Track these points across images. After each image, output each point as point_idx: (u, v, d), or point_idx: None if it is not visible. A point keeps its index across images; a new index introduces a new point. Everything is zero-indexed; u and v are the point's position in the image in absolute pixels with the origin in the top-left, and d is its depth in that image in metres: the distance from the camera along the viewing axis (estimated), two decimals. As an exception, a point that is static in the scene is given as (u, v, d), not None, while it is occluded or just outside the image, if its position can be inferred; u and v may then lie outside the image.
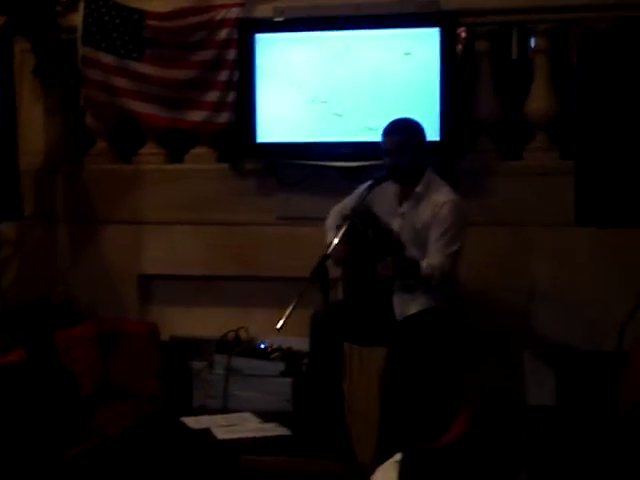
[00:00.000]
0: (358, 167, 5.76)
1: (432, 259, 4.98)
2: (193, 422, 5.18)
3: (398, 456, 3.40)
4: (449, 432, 3.40)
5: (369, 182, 5.17)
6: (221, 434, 4.95)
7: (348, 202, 5.28)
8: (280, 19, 5.96)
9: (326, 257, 4.91)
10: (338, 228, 5.02)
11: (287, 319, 4.79)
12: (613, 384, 5.02)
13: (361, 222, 5.09)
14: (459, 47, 5.96)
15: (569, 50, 6.30)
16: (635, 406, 4.50)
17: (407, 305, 5.12)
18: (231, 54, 6.01)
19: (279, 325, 4.79)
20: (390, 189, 5.24)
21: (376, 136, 5.36)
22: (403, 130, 5.17)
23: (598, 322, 5.44)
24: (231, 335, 5.79)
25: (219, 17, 6.04)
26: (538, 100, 5.82)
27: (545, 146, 5.84)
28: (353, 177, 5.71)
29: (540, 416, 5.07)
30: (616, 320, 4.85)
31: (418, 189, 5.15)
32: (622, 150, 4.03)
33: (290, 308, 4.78)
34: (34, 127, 6.44)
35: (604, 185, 4.08)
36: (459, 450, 3.34)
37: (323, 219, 5.46)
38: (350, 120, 5.82)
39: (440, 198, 5.08)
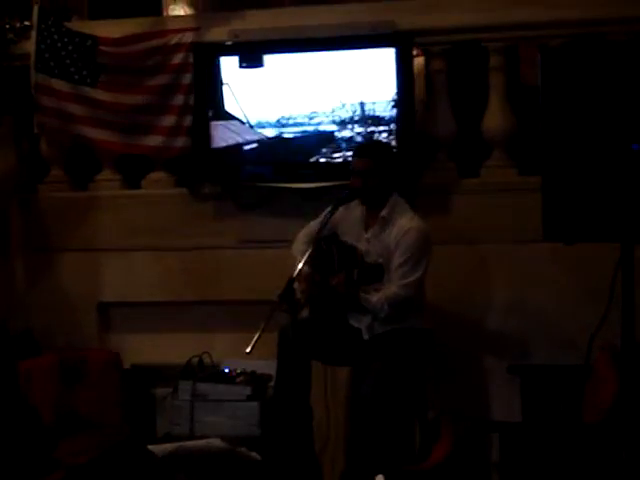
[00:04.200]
0: (318, 188, 5.77)
1: (387, 290, 5.01)
2: (160, 450, 5.11)
3: (380, 478, 3.40)
4: (433, 454, 3.40)
5: (334, 202, 5.19)
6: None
7: (314, 225, 5.30)
8: (230, 43, 5.96)
9: (292, 280, 4.93)
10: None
11: (256, 343, 4.79)
12: (578, 397, 5.07)
13: (325, 242, 5.13)
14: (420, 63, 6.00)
15: (520, 67, 6.40)
16: (603, 419, 4.54)
17: (369, 322, 5.14)
18: (186, 78, 5.99)
19: (248, 350, 4.78)
20: (356, 212, 5.26)
21: (335, 157, 5.37)
22: (374, 153, 5.22)
23: (562, 337, 5.50)
24: (195, 360, 5.73)
25: (173, 42, 6.01)
26: (494, 117, 5.87)
27: (502, 163, 5.89)
28: (314, 198, 5.73)
29: (507, 432, 5.10)
30: (581, 334, 4.88)
31: (384, 213, 5.18)
32: (587, 165, 4.07)
33: (259, 332, 4.78)
34: (-13, 156, 6.38)
35: (570, 201, 4.11)
36: (443, 471, 3.35)
37: (284, 241, 5.48)
38: (308, 141, 5.83)
39: (405, 224, 5.12)
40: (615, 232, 4.10)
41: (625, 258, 4.16)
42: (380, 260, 5.09)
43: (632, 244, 4.13)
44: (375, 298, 5.02)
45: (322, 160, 5.76)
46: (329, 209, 5.20)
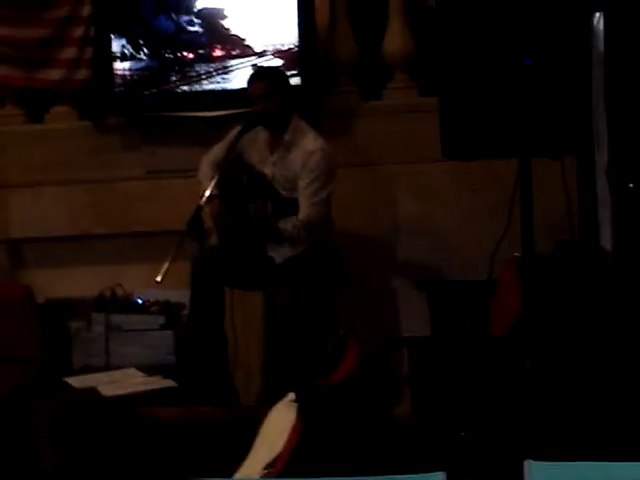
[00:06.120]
0: (221, 116, 5.78)
1: (300, 213, 5.10)
2: (77, 382, 5.16)
3: (291, 396, 3.49)
4: (340, 369, 3.50)
5: (238, 128, 5.23)
6: (107, 391, 4.96)
7: (218, 149, 5.33)
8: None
9: (200, 208, 4.98)
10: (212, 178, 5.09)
11: (166, 272, 4.84)
12: (484, 311, 5.22)
13: (233, 168, 5.16)
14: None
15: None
16: (509, 331, 4.68)
17: (284, 248, 5.22)
18: (86, 10, 5.94)
19: (159, 278, 4.84)
20: (260, 136, 5.31)
21: (235, 84, 5.39)
22: (269, 76, 5.29)
23: (466, 253, 5.63)
24: (107, 292, 5.77)
25: (70, -27, 5.96)
26: (394, 39, 5.91)
27: (404, 84, 5.96)
28: (218, 126, 5.75)
29: (415, 346, 5.23)
30: (484, 249, 5.02)
31: (286, 137, 5.23)
32: (482, 83, 4.14)
33: (168, 261, 4.83)
34: None
35: (468, 119, 4.19)
36: (351, 386, 3.45)
37: (191, 170, 5.49)
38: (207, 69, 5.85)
39: (309, 146, 5.19)
40: (511, 147, 4.20)
41: (522, 172, 4.27)
42: (286, 186, 5.16)
43: (528, 158, 4.24)
44: (290, 226, 5.10)
45: (224, 88, 5.78)
46: (234, 132, 5.25)
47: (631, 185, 3.82)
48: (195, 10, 5.82)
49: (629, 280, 4.23)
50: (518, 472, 2.21)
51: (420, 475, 1.98)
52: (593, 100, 3.90)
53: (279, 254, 5.25)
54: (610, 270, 4.30)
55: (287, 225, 5.10)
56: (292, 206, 5.11)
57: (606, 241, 4.04)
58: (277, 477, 3.02)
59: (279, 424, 3.36)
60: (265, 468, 3.22)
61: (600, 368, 4.30)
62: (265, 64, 5.67)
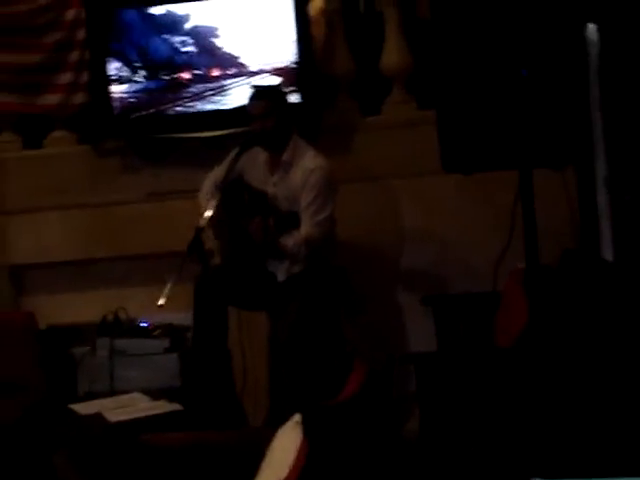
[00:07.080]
0: (221, 135, 5.77)
1: (301, 231, 5.09)
2: (82, 408, 5.11)
3: (297, 417, 3.44)
4: (346, 387, 3.46)
5: (237, 149, 5.22)
6: (113, 417, 4.90)
7: (218, 171, 5.32)
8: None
9: (200, 229, 4.96)
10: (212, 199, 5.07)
11: (168, 295, 4.81)
12: (489, 323, 5.17)
13: (234, 188, 5.15)
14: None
15: (416, 1, 6.42)
16: (516, 342, 4.64)
17: (285, 265, 5.19)
18: (80, 34, 5.95)
19: (161, 302, 4.81)
20: (260, 157, 5.30)
21: (233, 103, 5.38)
22: (268, 95, 5.29)
23: (471, 265, 5.59)
24: (110, 317, 5.74)
25: (63, -2, 5.96)
26: (392, 54, 5.90)
27: (402, 99, 5.94)
28: (217, 146, 5.73)
29: (422, 362, 5.19)
30: (489, 261, 4.98)
31: (285, 157, 5.23)
32: (479, 95, 4.12)
33: (170, 284, 4.81)
34: None
35: (466, 131, 4.16)
36: (358, 404, 3.41)
37: (192, 191, 5.47)
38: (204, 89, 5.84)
39: (308, 164, 5.18)
40: (511, 159, 4.17)
41: (523, 183, 4.24)
42: (288, 206, 5.15)
43: (529, 169, 4.21)
44: (291, 242, 5.08)
45: (221, 108, 5.77)
46: (233, 153, 5.23)
47: (628, 197, 3.78)
48: (186, 29, 5.80)
49: (631, 291, 4.19)
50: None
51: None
52: (591, 110, 3.86)
53: (281, 271, 5.22)
54: (612, 281, 4.26)
55: (288, 241, 5.08)
56: (293, 220, 5.10)
57: (607, 251, 4.00)
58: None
59: (285, 446, 3.31)
60: (272, 491, 3.17)
61: (606, 378, 4.26)
62: (264, 82, 5.64)
